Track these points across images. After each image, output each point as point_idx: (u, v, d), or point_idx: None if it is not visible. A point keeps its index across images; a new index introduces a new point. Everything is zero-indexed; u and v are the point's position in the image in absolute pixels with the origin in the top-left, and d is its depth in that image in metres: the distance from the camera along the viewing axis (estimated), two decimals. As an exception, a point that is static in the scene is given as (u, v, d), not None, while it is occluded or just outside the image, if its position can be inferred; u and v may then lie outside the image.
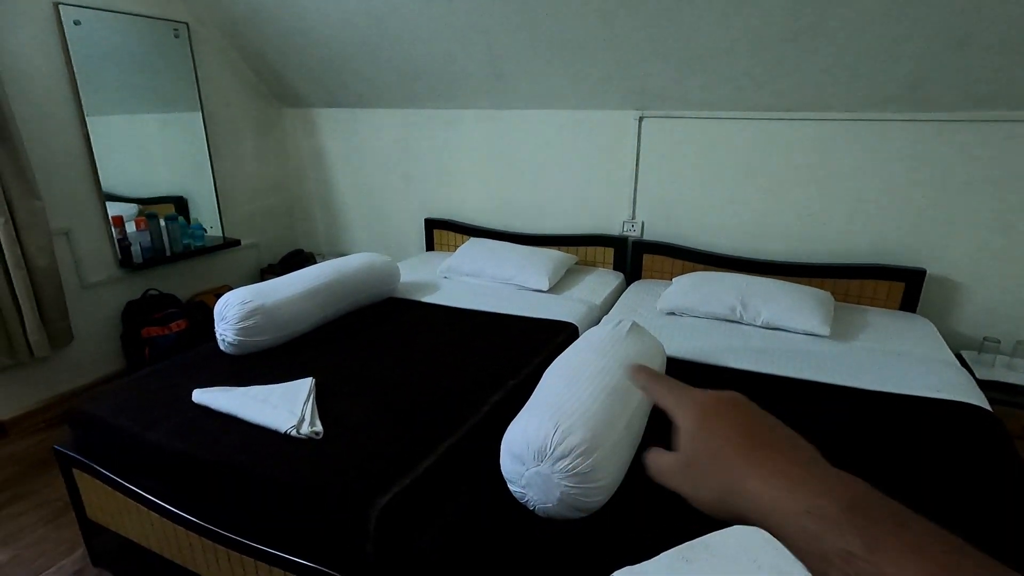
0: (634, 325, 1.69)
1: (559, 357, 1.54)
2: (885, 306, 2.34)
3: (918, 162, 2.23)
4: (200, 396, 1.59)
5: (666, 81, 2.41)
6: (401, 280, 2.61)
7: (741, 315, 2.17)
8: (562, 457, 1.11)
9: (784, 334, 2.09)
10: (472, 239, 2.97)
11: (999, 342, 2.17)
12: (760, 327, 2.15)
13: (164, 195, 3.08)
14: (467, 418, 1.51)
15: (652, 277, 2.75)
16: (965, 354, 2.21)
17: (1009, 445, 1.45)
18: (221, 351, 1.92)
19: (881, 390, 1.68)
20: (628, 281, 2.77)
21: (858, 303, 2.38)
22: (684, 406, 0.36)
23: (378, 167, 3.38)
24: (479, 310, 2.31)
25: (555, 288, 2.56)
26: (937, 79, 2.01)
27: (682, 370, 1.79)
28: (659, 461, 0.36)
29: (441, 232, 3.24)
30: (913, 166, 2.24)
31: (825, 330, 2.03)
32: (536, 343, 2.00)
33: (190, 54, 2.94)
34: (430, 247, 3.30)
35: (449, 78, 2.81)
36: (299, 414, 1.47)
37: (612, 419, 1.23)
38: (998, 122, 2.08)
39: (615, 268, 2.84)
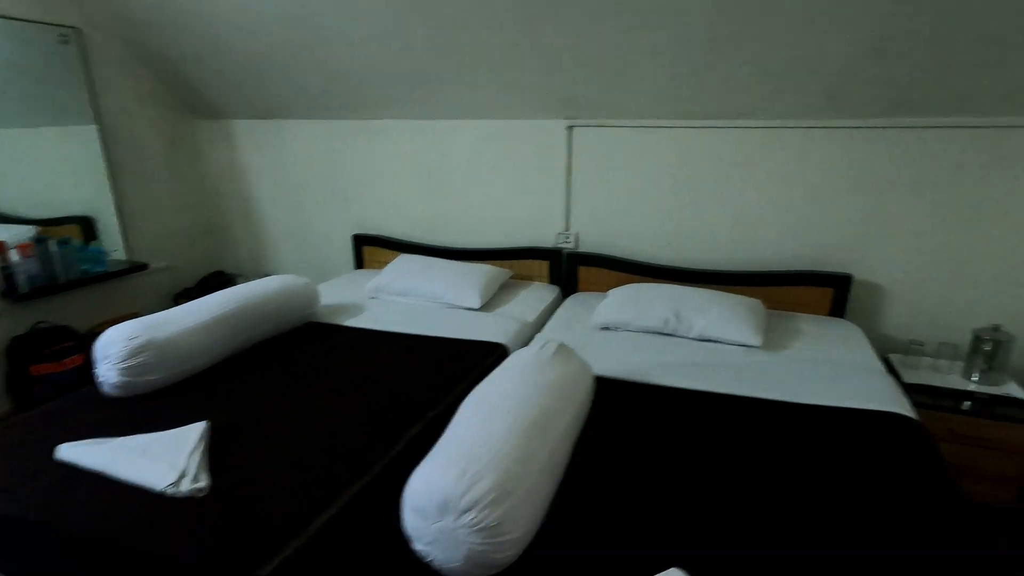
0: (560, 347, 1.59)
1: (478, 386, 1.42)
2: (815, 312, 2.34)
3: (840, 169, 2.24)
4: (67, 452, 1.38)
5: (593, 89, 2.35)
6: (323, 302, 2.44)
7: (675, 328, 2.11)
8: (468, 509, 0.99)
9: (717, 346, 2.05)
10: (402, 255, 2.82)
11: (923, 344, 2.20)
12: (694, 339, 2.10)
13: (68, 215, 2.80)
14: (376, 460, 1.37)
15: (589, 289, 2.67)
16: (892, 357, 2.23)
17: (932, 452, 1.43)
18: (104, 394, 1.70)
19: (810, 403, 1.64)
20: (565, 294, 2.68)
21: (789, 310, 2.37)
22: None
23: (303, 181, 3.18)
24: (405, 332, 2.17)
25: (488, 305, 2.45)
26: (854, 87, 2.03)
27: (614, 390, 1.71)
28: None
29: (371, 249, 3.08)
30: (836, 173, 2.25)
31: (757, 340, 1.99)
32: (462, 367, 1.87)
33: (82, 61, 2.67)
34: (360, 265, 3.13)
35: (372, 87, 2.67)
36: (181, 467, 1.29)
37: (528, 458, 1.12)
38: (913, 128, 2.11)
39: (551, 282, 2.75)
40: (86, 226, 2.87)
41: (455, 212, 2.91)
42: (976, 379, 2.04)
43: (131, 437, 1.42)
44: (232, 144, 3.27)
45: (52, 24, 2.55)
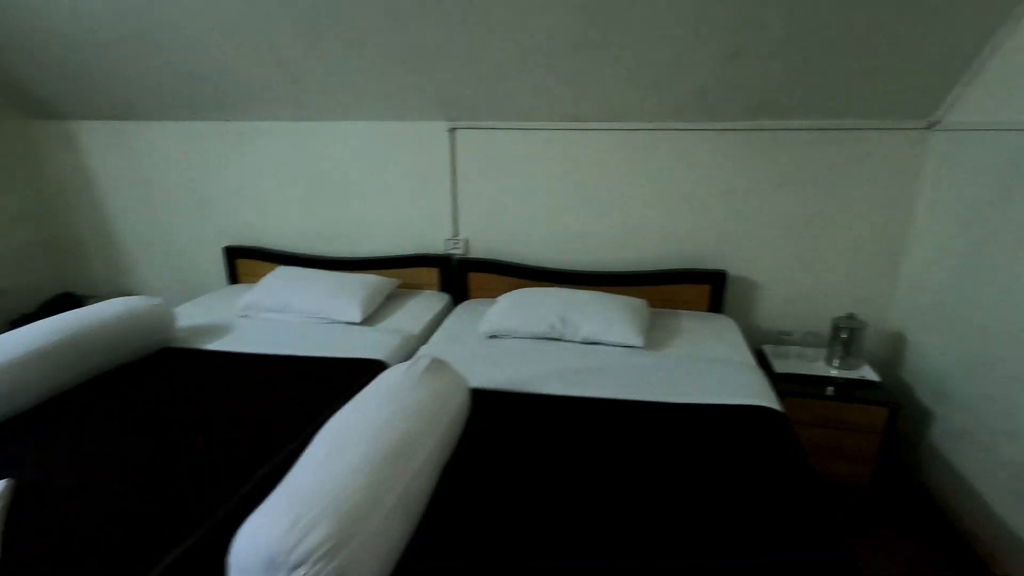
0: (433, 362, 1.50)
1: (338, 413, 1.30)
2: (695, 309, 2.41)
3: (712, 170, 2.33)
4: None
5: (472, 90, 2.28)
6: (186, 323, 2.20)
7: (561, 332, 2.09)
8: (299, 565, 0.87)
9: (602, 348, 2.04)
10: (279, 268, 2.61)
11: (791, 334, 2.33)
12: (580, 343, 2.09)
13: None
14: (212, 513, 1.21)
15: (480, 296, 2.61)
16: (765, 348, 2.35)
17: (793, 441, 1.48)
18: None
19: (684, 402, 1.67)
20: (456, 303, 2.60)
21: (673, 308, 2.43)
22: None
23: (163, 190, 2.87)
24: (275, 354, 1.98)
25: (371, 318, 2.31)
26: (720, 91, 2.10)
27: (492, 403, 1.64)
28: None
29: (246, 262, 2.83)
30: (708, 174, 2.33)
31: (639, 341, 2.01)
32: (333, 390, 1.73)
33: None
34: (234, 280, 2.87)
35: (236, 86, 2.44)
36: (-40, 543, 1.06)
37: (377, 495, 1.02)
38: (773, 131, 2.22)
39: (442, 289, 2.66)
40: None
41: (337, 220, 2.74)
42: (836, 365, 2.18)
43: (-100, 508, 1.16)
44: (76, 148, 2.88)
45: None
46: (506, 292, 2.46)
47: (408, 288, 2.65)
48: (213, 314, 2.38)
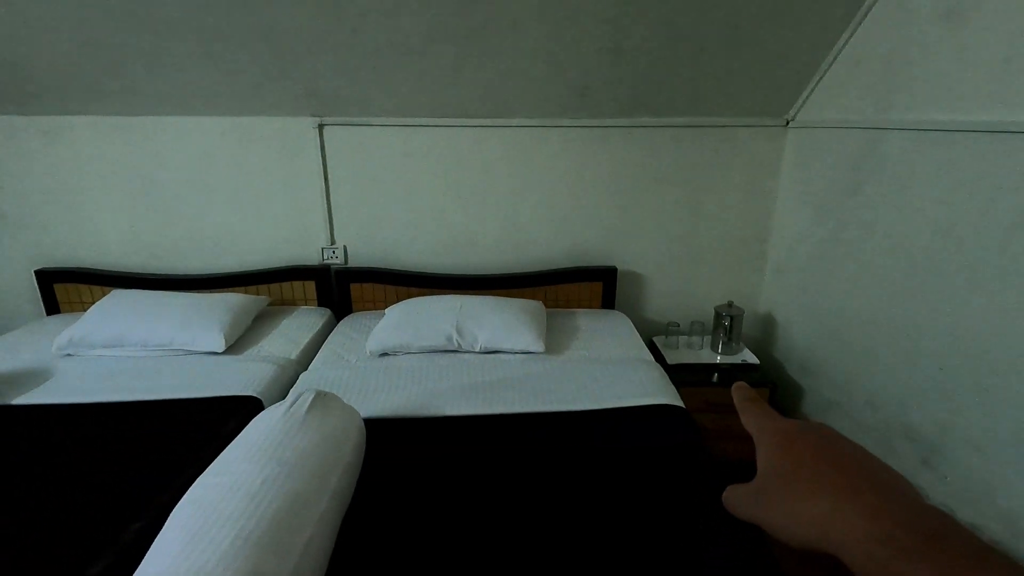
0: (317, 397, 1.29)
1: (199, 479, 1.06)
2: (590, 306, 2.41)
3: (596, 166, 2.32)
4: None
5: (341, 83, 2.05)
6: (-19, 373, 1.73)
7: (459, 343, 1.96)
8: None
9: (503, 357, 1.95)
10: (113, 292, 2.17)
11: (679, 325, 2.41)
12: (479, 353, 1.97)
13: None
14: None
15: (365, 309, 2.39)
16: (656, 340, 2.41)
17: (696, 434, 1.50)
18: None
19: (588, 408, 1.62)
20: (338, 317, 2.35)
21: (567, 307, 2.40)
22: (766, 432, 0.35)
23: (-60, 202, 2.26)
24: (116, 401, 1.62)
25: (238, 344, 2.00)
26: (598, 87, 2.08)
27: (388, 434, 1.47)
28: (733, 494, 0.35)
29: (68, 287, 2.33)
30: (592, 170, 2.33)
31: (539, 346, 1.94)
32: (196, 443, 1.44)
33: None
34: (54, 310, 2.35)
35: (32, 71, 1.96)
36: None
37: (259, 585, 0.82)
38: (648, 127, 2.26)
39: (320, 304, 2.39)
40: None
41: (187, 231, 2.35)
42: (720, 351, 2.29)
43: None
44: None
45: None
46: (393, 303, 2.28)
47: (280, 306, 2.35)
48: (23, 356, 1.91)
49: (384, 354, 1.96)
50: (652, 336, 2.45)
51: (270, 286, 2.36)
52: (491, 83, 2.06)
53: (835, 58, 1.96)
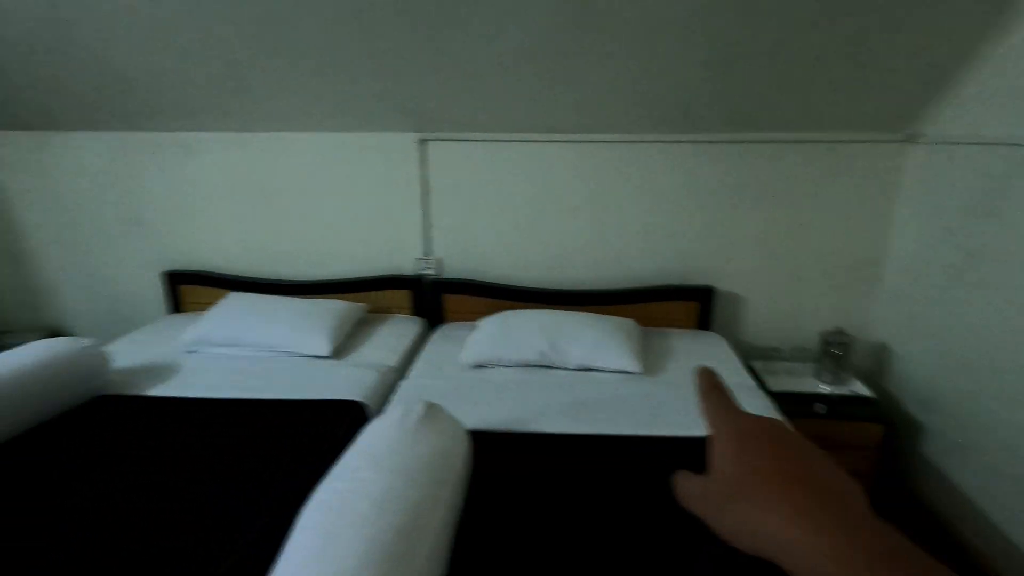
0: (428, 409, 1.32)
1: (322, 484, 1.10)
2: (684, 327, 2.34)
3: (695, 182, 2.26)
4: None
5: (444, 100, 2.12)
6: (120, 364, 1.91)
7: (552, 359, 1.95)
8: None
9: (597, 375, 1.92)
10: (230, 295, 2.34)
11: (780, 350, 2.29)
12: (573, 370, 1.95)
13: None
14: None
15: (457, 319, 2.43)
16: (755, 365, 2.29)
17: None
18: None
19: (696, 435, 1.56)
20: (431, 327, 2.41)
21: (660, 326, 2.34)
22: (724, 430, 0.34)
23: (89, 209, 2.53)
24: (234, 398, 1.74)
25: (341, 349, 2.09)
26: (703, 102, 2.03)
27: (491, 448, 1.47)
28: (685, 485, 0.36)
29: (190, 288, 2.53)
30: (691, 186, 2.26)
31: (637, 366, 1.90)
32: (308, 442, 1.51)
33: None
34: (177, 308, 2.56)
35: (172, 91, 2.16)
36: None
37: (392, 595, 0.84)
38: (753, 143, 2.17)
39: (414, 313, 2.46)
40: None
41: (295, 239, 2.50)
42: (827, 381, 2.15)
43: None
44: (-19, 163, 2.50)
45: None
46: (485, 314, 2.31)
47: (377, 313, 2.44)
48: (153, 351, 2.09)
49: (479, 366, 1.99)
50: (750, 360, 2.34)
51: (367, 294, 2.46)
52: (587, 99, 2.06)
53: (973, 69, 1.80)
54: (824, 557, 0.26)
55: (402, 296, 2.45)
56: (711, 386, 0.38)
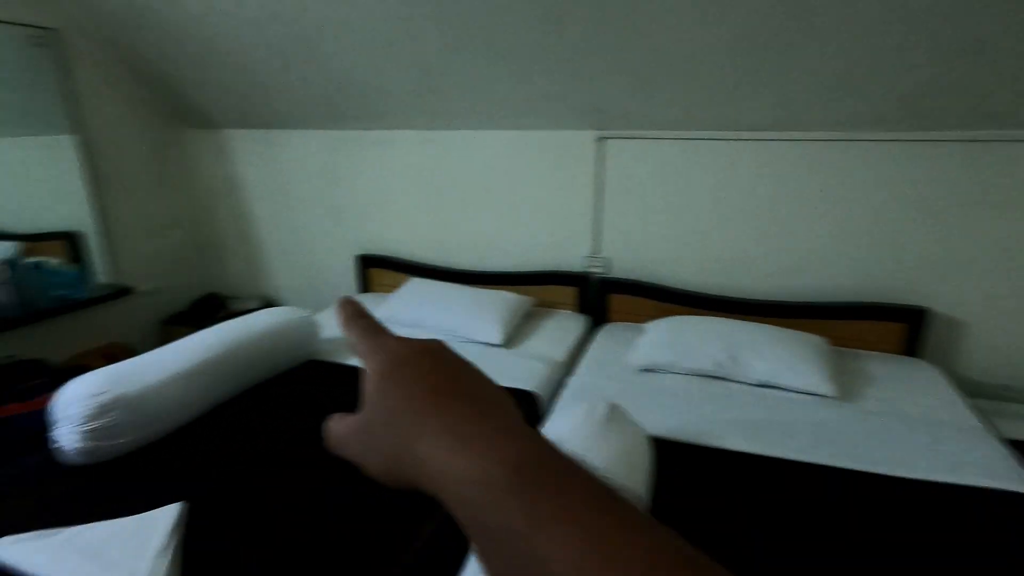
0: (612, 409, 1.31)
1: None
2: (884, 350, 2.06)
3: (914, 187, 1.97)
4: (6, 550, 1.11)
5: (628, 97, 2.09)
6: (325, 335, 2.16)
7: (729, 371, 1.83)
8: None
9: (781, 394, 1.77)
10: (412, 280, 2.55)
11: (1012, 388, 1.92)
12: (753, 385, 1.82)
13: (53, 231, 2.56)
14: (404, 546, 1.09)
15: (622, 320, 2.39)
16: (979, 404, 1.94)
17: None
18: (64, 459, 1.42)
19: (911, 476, 1.36)
20: (594, 325, 2.41)
21: (853, 347, 2.09)
22: (376, 355, 0.30)
23: (302, 197, 2.92)
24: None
25: (510, 340, 2.17)
26: (941, 93, 1.75)
27: (669, 456, 1.42)
28: (336, 428, 0.31)
29: (377, 271, 2.81)
30: (909, 191, 1.98)
31: (831, 389, 1.71)
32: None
33: (60, 67, 2.42)
34: (365, 288, 2.85)
35: (378, 94, 2.40)
36: (143, 581, 1.02)
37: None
38: (1007, 142, 1.83)
39: (578, 310, 2.47)
40: (72, 242, 2.62)
41: (470, 232, 2.64)
42: (1083, 433, 1.75)
43: (86, 528, 1.15)
44: (225, 156, 3.00)
45: (26, 25, 2.29)
46: (651, 317, 2.24)
47: (542, 307, 2.50)
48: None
49: (647, 370, 1.94)
50: (973, 398, 1.99)
51: (533, 287, 2.52)
52: (791, 92, 1.89)
53: None
54: (468, 480, 0.23)
55: (568, 292, 2.47)
56: (354, 313, 0.33)
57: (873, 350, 2.06)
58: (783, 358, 1.80)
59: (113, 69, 2.64)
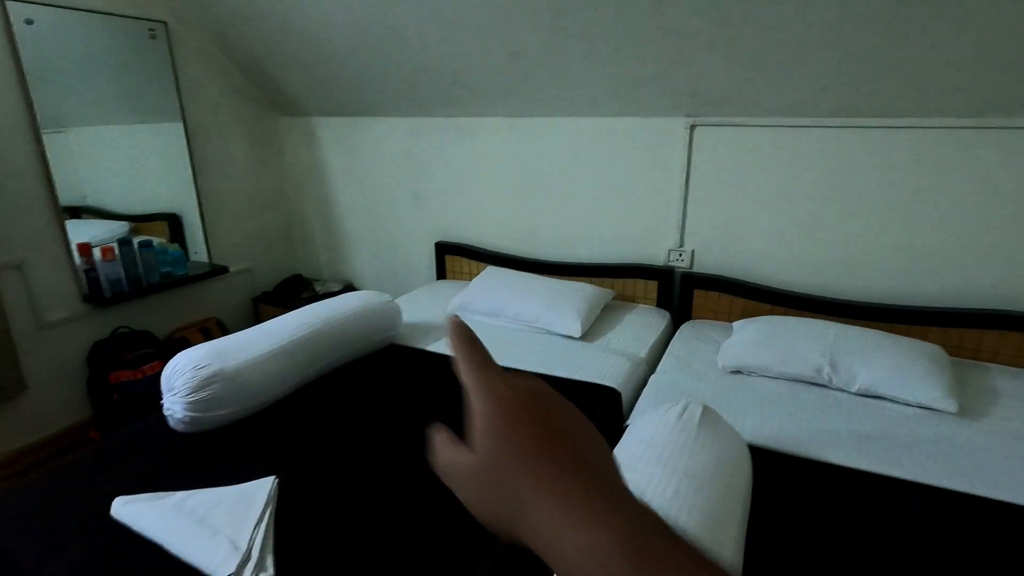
0: (705, 412, 1.24)
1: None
2: (1013, 364, 1.84)
3: (1060, 181, 1.73)
4: (121, 510, 1.19)
5: (726, 80, 1.96)
6: (405, 320, 2.20)
7: (830, 378, 1.70)
8: None
9: (889, 406, 1.62)
10: (489, 268, 2.54)
11: None
12: (855, 395, 1.68)
13: (157, 212, 2.76)
14: (483, 552, 1.08)
15: (704, 317, 2.28)
16: None
17: None
18: (170, 427, 1.52)
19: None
20: (675, 322, 2.31)
21: (973, 358, 1.88)
22: (485, 394, 0.30)
23: (384, 183, 2.97)
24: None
25: (589, 333, 2.11)
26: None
27: (768, 468, 1.33)
28: (445, 455, 0.31)
29: (454, 259, 2.82)
30: (1053, 186, 1.75)
31: (951, 405, 1.55)
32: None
33: (170, 57, 2.57)
34: (441, 275, 2.88)
35: (464, 80, 2.39)
36: (243, 549, 1.06)
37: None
38: None
39: (659, 305, 2.38)
40: (173, 223, 2.81)
41: (549, 221, 2.60)
42: None
43: (192, 495, 1.21)
44: (314, 142, 3.11)
45: (141, 18, 2.45)
46: (737, 316, 2.13)
47: (622, 300, 2.42)
48: (427, 312, 2.37)
49: (736, 372, 1.83)
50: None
51: (613, 280, 2.45)
52: (920, 76, 1.70)
53: None
54: (581, 551, 0.24)
55: (649, 286, 2.38)
56: (465, 339, 0.33)
57: (997, 362, 1.85)
58: (895, 367, 1.64)
59: (213, 59, 2.78)
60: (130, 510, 1.18)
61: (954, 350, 1.87)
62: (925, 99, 1.77)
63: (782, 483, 1.29)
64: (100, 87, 2.45)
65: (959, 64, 1.63)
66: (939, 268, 1.94)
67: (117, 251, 2.42)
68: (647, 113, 2.23)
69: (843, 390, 1.69)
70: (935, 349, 1.75)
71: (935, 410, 1.57)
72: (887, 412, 1.59)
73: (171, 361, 1.53)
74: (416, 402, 1.66)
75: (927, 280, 1.96)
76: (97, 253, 2.39)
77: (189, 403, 1.46)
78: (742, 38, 1.77)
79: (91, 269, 2.38)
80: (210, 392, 1.48)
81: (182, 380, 1.46)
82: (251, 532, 1.09)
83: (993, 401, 1.63)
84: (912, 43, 1.61)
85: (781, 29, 1.70)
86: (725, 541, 0.94)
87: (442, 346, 2.03)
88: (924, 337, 1.88)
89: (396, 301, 2.36)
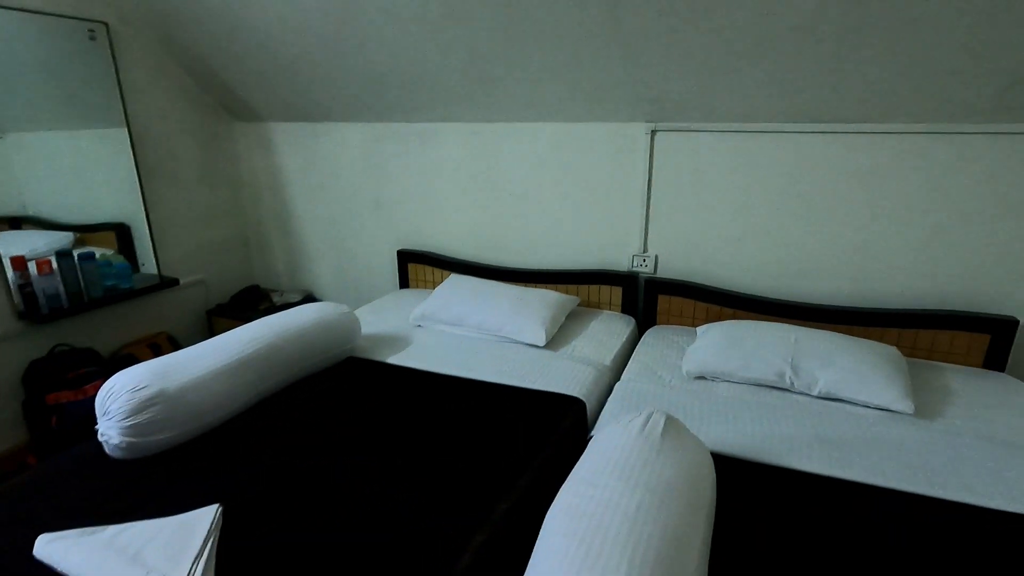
0: (668, 422, 1.21)
1: (567, 485, 1.07)
2: (964, 363, 1.88)
3: (1005, 185, 1.79)
4: (45, 548, 1.09)
5: (686, 87, 1.96)
6: (365, 332, 2.12)
7: (792, 381, 1.70)
8: None
9: (850, 409, 1.63)
10: (452, 276, 2.49)
11: (1115, 411, 1.72)
12: (816, 397, 1.69)
13: (105, 222, 2.61)
14: (459, 549, 1.03)
15: (670, 322, 2.28)
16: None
17: None
18: (106, 453, 1.41)
19: (1007, 508, 1.22)
20: (640, 327, 2.30)
21: (928, 359, 1.92)
22: None
23: (344, 190, 2.89)
24: (458, 376, 1.82)
25: (554, 341, 2.08)
26: (1042, 81, 1.57)
27: (732, 476, 1.31)
28: None
29: (417, 267, 2.76)
30: (999, 190, 1.80)
31: (907, 406, 1.57)
32: (533, 431, 1.51)
33: (112, 59, 2.44)
34: (404, 284, 2.81)
35: (423, 85, 2.34)
36: (180, 587, 0.98)
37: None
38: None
39: (624, 311, 2.37)
40: (122, 233, 2.66)
41: (513, 227, 2.56)
42: None
43: (126, 528, 1.12)
44: (270, 149, 3.01)
45: (79, 18, 2.32)
46: (701, 320, 2.13)
47: (587, 307, 2.40)
48: (389, 322, 2.30)
49: (700, 377, 1.82)
50: (1065, 419, 1.80)
51: (577, 286, 2.43)
52: (874, 83, 1.73)
53: None
54: None
55: (614, 292, 2.37)
56: None
57: (949, 362, 1.89)
58: (854, 369, 1.66)
59: (160, 62, 2.66)
60: (55, 548, 1.08)
61: (909, 351, 1.91)
62: (879, 104, 1.80)
63: (746, 491, 1.28)
64: (38, 91, 2.31)
65: (911, 70, 1.66)
66: (894, 270, 1.98)
67: (55, 264, 2.28)
68: (608, 118, 2.22)
69: (805, 393, 1.70)
70: (892, 351, 1.78)
71: (893, 411, 1.59)
72: (847, 415, 1.60)
73: (107, 383, 1.43)
74: (375, 417, 1.59)
75: (883, 282, 2.00)
76: (32, 267, 2.25)
77: (126, 428, 1.36)
78: (699, 43, 1.78)
79: (26, 284, 2.23)
80: (149, 415, 1.39)
81: (117, 404, 1.37)
82: (189, 567, 1.01)
83: (947, 401, 1.65)
84: (865, 50, 1.63)
85: (737, 35, 1.71)
86: (689, 555, 0.92)
87: (403, 358, 1.97)
88: (881, 338, 1.91)
89: (357, 311, 2.30)
